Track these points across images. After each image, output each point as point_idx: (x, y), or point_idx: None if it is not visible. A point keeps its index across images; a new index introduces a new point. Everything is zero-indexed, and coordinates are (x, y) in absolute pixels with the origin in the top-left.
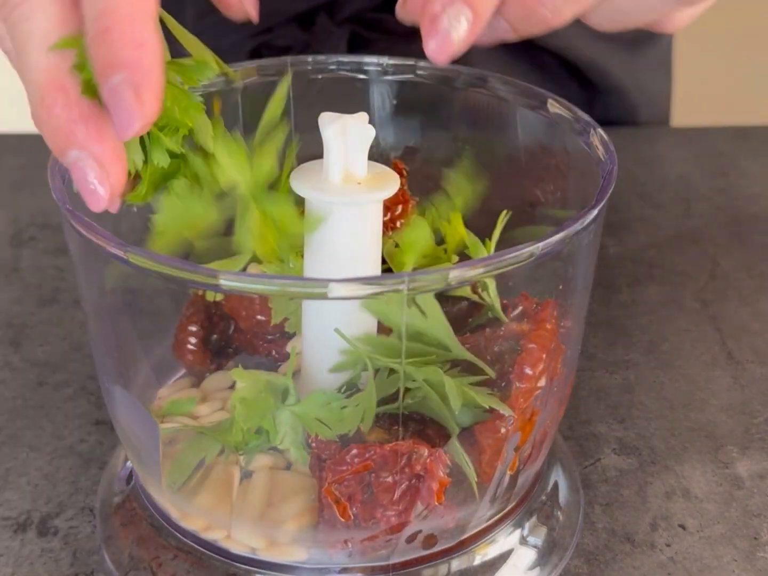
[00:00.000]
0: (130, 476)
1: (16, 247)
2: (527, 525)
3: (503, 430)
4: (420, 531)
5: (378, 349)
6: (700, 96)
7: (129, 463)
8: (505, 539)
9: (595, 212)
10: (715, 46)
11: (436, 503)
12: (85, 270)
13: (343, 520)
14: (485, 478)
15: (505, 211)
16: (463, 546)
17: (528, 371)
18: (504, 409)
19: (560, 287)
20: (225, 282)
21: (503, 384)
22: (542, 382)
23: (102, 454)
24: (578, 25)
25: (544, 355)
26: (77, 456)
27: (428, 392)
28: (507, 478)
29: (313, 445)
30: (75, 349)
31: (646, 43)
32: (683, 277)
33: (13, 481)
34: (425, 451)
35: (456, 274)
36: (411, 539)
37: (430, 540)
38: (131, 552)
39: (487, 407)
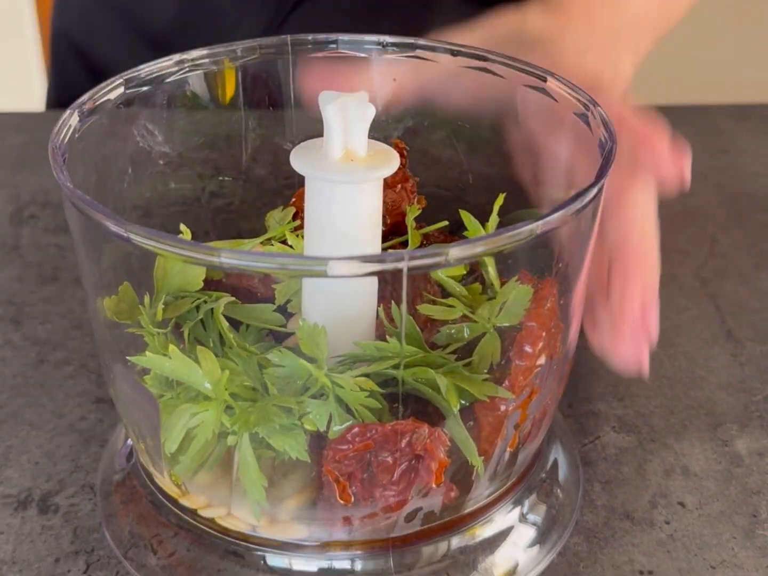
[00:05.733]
0: (131, 454)
1: (16, 226)
2: (527, 503)
3: (503, 408)
4: (420, 509)
5: (376, 353)
6: (699, 74)
7: (129, 441)
8: (505, 517)
9: (594, 191)
10: (715, 24)
11: (435, 484)
12: (86, 248)
13: (341, 501)
14: (485, 456)
15: (501, 195)
16: (463, 523)
17: (528, 349)
18: (503, 394)
19: (560, 265)
20: (226, 260)
21: (502, 362)
22: (542, 360)
23: (102, 431)
24: None
25: (543, 333)
26: (78, 434)
27: (423, 389)
28: (507, 456)
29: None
30: (75, 328)
31: None
32: (682, 255)
33: (13, 459)
34: (425, 430)
35: (456, 252)
36: (410, 518)
37: (430, 517)
38: (131, 529)
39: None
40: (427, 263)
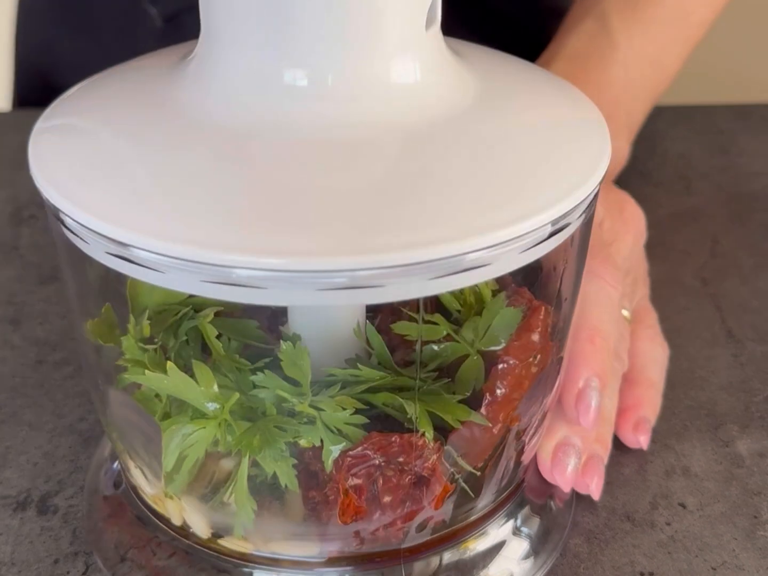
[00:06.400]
0: (119, 480)
1: (15, 226)
2: (520, 515)
3: (495, 430)
4: (431, 517)
5: (350, 378)
6: (699, 74)
7: (115, 466)
8: (498, 530)
9: (594, 192)
10: (715, 24)
11: (434, 509)
12: (72, 269)
13: (343, 517)
14: (482, 471)
15: None
16: (456, 537)
17: (499, 391)
18: (476, 419)
19: (555, 268)
20: (239, 273)
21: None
22: (519, 395)
23: (101, 432)
24: None
25: (523, 371)
26: (77, 434)
27: (393, 413)
28: (512, 464)
29: (309, 453)
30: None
31: None
32: (683, 255)
33: (12, 460)
34: (435, 447)
35: (474, 256)
36: (421, 527)
37: (439, 526)
38: (131, 530)
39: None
40: (445, 268)
